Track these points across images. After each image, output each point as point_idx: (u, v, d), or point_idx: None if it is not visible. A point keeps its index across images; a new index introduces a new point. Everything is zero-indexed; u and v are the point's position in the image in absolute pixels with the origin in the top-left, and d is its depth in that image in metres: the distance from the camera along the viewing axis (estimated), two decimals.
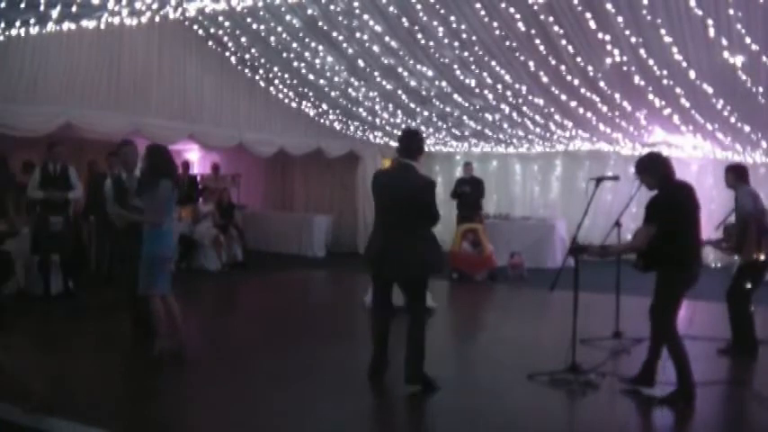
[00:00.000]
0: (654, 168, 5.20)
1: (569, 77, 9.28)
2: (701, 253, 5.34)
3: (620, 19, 7.54)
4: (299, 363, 6.09)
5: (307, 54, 10.71)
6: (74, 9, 7.38)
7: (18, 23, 7.94)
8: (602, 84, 9.30)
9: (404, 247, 5.21)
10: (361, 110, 12.62)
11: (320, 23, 9.66)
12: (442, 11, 8.47)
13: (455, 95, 11.04)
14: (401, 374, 5.29)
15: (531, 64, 9.16)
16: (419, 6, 8.49)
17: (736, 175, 6.71)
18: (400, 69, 10.40)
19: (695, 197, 5.20)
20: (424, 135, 13.76)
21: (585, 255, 5.43)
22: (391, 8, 8.72)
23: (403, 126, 13.24)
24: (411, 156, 5.43)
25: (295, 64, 11.17)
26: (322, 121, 13.68)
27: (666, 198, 5.10)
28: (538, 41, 8.50)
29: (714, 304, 9.37)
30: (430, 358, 5.33)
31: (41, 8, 7.15)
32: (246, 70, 12.16)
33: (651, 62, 8.29)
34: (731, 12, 6.85)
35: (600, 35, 7.96)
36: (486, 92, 10.58)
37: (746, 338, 6.44)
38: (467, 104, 11.41)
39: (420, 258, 5.25)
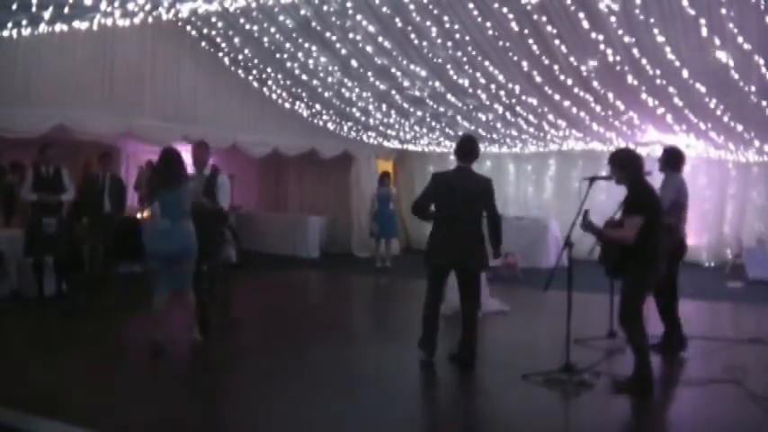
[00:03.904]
0: (631, 164, 5.40)
1: (563, 77, 9.29)
2: (665, 252, 5.50)
3: (612, 19, 7.56)
4: (296, 362, 6.09)
5: (300, 54, 10.69)
6: (66, 10, 7.35)
7: (10, 25, 7.90)
8: (595, 83, 9.32)
9: (474, 241, 5.95)
10: (354, 110, 12.61)
11: (313, 24, 9.64)
12: (436, 11, 8.47)
13: (448, 95, 11.03)
14: (399, 374, 5.28)
15: (525, 64, 9.17)
16: (412, 6, 8.48)
17: (666, 159, 6.57)
18: (393, 69, 10.39)
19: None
20: (418, 135, 13.82)
21: (588, 230, 5.43)
22: (384, 8, 8.72)
23: (396, 126, 13.25)
24: (469, 160, 6.10)
25: (288, 64, 11.15)
26: (316, 121, 13.67)
27: (650, 193, 5.32)
28: (531, 41, 8.50)
29: (709, 303, 9.44)
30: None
31: (33, 9, 7.12)
32: (240, 71, 12.14)
33: (644, 62, 8.31)
34: (723, 11, 6.86)
35: (593, 35, 7.97)
36: (479, 92, 10.58)
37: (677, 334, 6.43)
38: (460, 104, 11.41)
39: (485, 251, 6.03)
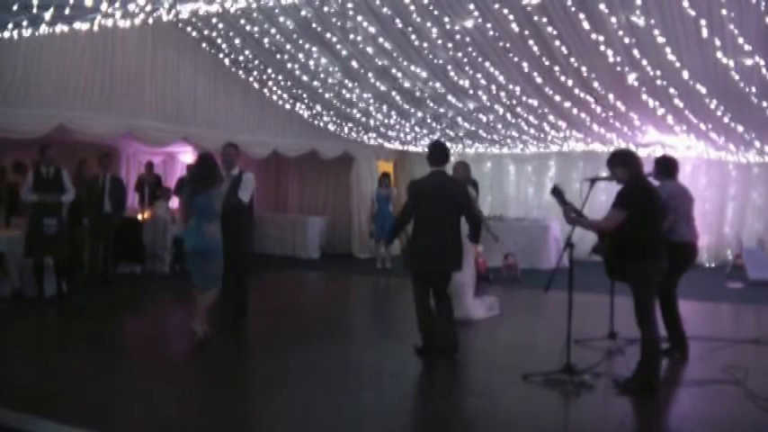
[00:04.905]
0: (630, 163, 5.52)
1: (563, 78, 9.29)
2: (665, 246, 5.53)
3: (613, 20, 7.56)
4: (296, 363, 6.08)
5: (300, 55, 10.69)
6: (67, 11, 7.35)
7: (10, 26, 7.90)
8: (595, 84, 9.32)
9: (451, 243, 6.10)
10: (355, 111, 12.61)
11: (314, 25, 9.64)
12: (436, 12, 8.47)
13: (449, 96, 11.04)
14: (399, 374, 5.27)
15: (525, 65, 9.17)
16: (412, 7, 8.48)
17: (659, 168, 6.67)
18: (394, 70, 10.39)
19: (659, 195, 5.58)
20: (418, 136, 13.83)
21: (562, 207, 5.63)
22: (385, 9, 8.72)
23: (397, 127, 13.25)
24: (442, 163, 6.29)
25: (289, 65, 11.15)
26: (316, 122, 13.66)
27: (641, 190, 5.41)
28: (531, 42, 8.50)
29: (709, 304, 9.44)
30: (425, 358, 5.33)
31: (34, 10, 7.12)
32: (240, 72, 12.14)
33: (645, 62, 8.31)
34: (724, 12, 6.87)
35: (593, 36, 7.97)
36: (480, 93, 10.58)
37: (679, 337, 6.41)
38: (461, 105, 11.41)
39: (461, 252, 6.20)
